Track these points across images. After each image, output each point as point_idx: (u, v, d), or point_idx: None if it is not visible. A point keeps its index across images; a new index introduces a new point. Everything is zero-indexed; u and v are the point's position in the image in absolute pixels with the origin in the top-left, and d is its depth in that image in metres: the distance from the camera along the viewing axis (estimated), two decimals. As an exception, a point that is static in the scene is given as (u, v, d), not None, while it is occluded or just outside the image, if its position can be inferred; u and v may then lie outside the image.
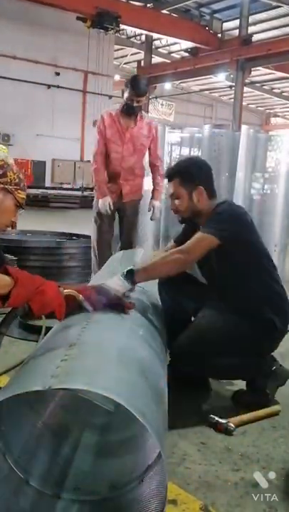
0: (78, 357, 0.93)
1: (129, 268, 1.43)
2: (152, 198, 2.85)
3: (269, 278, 1.61)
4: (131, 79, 2.69)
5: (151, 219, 2.92)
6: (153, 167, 2.85)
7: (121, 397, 0.79)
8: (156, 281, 1.74)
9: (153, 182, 2.86)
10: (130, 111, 2.65)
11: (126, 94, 2.63)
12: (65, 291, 1.19)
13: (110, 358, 0.97)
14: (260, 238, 1.66)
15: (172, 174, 1.64)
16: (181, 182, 1.61)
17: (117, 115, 2.70)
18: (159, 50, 15.84)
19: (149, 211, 2.85)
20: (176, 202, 1.64)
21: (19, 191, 1.31)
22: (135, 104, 2.62)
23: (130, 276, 1.41)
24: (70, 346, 0.97)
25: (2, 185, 1.27)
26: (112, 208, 2.73)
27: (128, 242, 2.81)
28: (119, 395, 0.80)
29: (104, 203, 2.70)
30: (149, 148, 2.78)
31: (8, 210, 1.30)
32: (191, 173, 1.61)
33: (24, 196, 1.33)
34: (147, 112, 15.45)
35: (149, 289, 1.71)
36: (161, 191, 2.92)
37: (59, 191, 12.82)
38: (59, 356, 0.92)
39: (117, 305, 1.30)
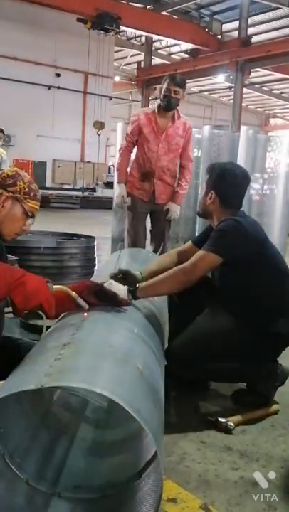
0: (72, 355, 0.94)
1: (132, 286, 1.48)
2: (171, 200, 2.77)
3: (276, 289, 1.58)
4: (167, 75, 2.73)
5: (167, 220, 2.82)
6: (182, 168, 2.76)
7: (114, 393, 0.79)
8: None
9: (177, 183, 2.77)
10: (168, 105, 2.62)
11: (163, 87, 2.63)
12: (55, 287, 1.17)
13: (104, 356, 0.97)
14: (269, 251, 1.62)
15: (208, 169, 1.70)
16: (207, 179, 1.67)
17: (154, 114, 2.70)
18: (159, 51, 15.87)
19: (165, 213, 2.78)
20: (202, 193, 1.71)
21: (28, 200, 1.33)
22: (172, 95, 2.60)
23: (132, 291, 1.45)
24: (64, 345, 0.98)
25: (11, 194, 1.30)
26: (126, 201, 2.75)
27: (159, 245, 2.75)
28: (112, 391, 0.80)
29: (121, 192, 2.74)
30: (183, 148, 2.73)
31: (17, 219, 1.33)
32: (213, 177, 1.65)
33: (35, 206, 1.35)
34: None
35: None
36: (183, 195, 2.79)
37: (59, 192, 12.84)
38: (53, 355, 0.93)
39: (113, 302, 1.29)
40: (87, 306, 1.21)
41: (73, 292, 1.21)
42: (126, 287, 1.46)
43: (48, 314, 1.15)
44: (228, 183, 1.64)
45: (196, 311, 1.69)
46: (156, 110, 2.71)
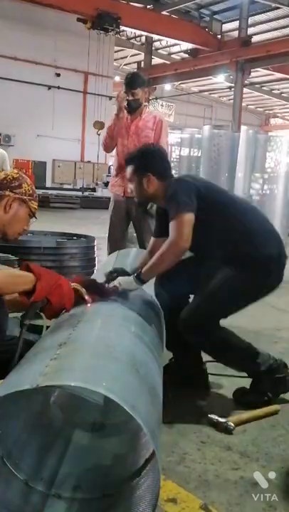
0: (68, 355, 0.94)
1: (137, 272, 1.55)
2: None
3: (243, 221, 1.63)
4: (125, 78, 2.81)
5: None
6: None
7: (110, 391, 0.79)
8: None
9: None
10: (130, 107, 2.74)
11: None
12: (72, 284, 1.27)
13: (100, 355, 0.98)
14: (214, 187, 1.71)
15: (128, 161, 1.72)
16: (134, 169, 1.68)
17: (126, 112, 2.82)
18: (159, 51, 15.86)
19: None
20: (131, 186, 1.73)
21: (32, 201, 1.41)
22: (130, 98, 2.70)
23: (138, 277, 1.52)
24: (60, 345, 0.98)
25: (18, 196, 1.37)
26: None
27: (142, 245, 2.78)
28: (108, 389, 0.80)
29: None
30: (155, 141, 2.76)
31: (22, 219, 1.40)
32: (142, 163, 1.67)
33: (36, 206, 1.43)
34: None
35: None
36: None
37: (59, 191, 12.84)
38: (49, 355, 0.93)
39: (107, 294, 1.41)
40: (91, 301, 1.30)
41: (83, 289, 1.29)
42: (132, 276, 1.53)
43: (67, 311, 1.24)
44: (159, 158, 1.71)
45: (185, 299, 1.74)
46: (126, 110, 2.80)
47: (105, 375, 0.89)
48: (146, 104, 2.84)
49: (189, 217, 1.53)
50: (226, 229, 1.62)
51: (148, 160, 1.68)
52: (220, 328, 1.63)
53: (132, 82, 2.72)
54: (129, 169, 1.70)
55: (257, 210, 1.81)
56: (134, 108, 2.74)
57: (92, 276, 2.40)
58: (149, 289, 1.75)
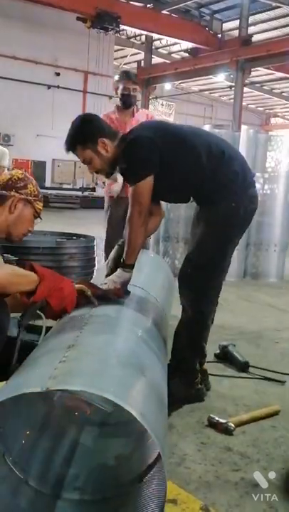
0: (76, 359, 0.94)
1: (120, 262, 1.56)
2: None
3: (203, 165, 1.62)
4: (121, 72, 2.84)
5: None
6: None
7: (119, 397, 0.79)
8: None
9: None
10: (127, 101, 2.70)
11: (120, 87, 2.71)
12: (77, 286, 1.27)
13: (109, 360, 0.98)
14: (180, 139, 1.63)
15: (72, 145, 1.59)
16: (83, 147, 1.57)
17: (114, 113, 2.78)
18: (159, 50, 15.83)
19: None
20: (91, 165, 1.62)
21: (38, 202, 1.41)
22: (132, 93, 2.69)
23: (124, 265, 1.53)
24: (69, 348, 0.98)
25: (23, 196, 1.37)
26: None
27: None
28: (117, 395, 0.80)
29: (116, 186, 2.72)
30: None
31: (27, 220, 1.40)
32: (86, 134, 1.57)
33: (41, 207, 1.43)
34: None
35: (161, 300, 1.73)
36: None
37: (59, 191, 12.82)
38: (57, 358, 0.93)
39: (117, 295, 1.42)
40: (97, 303, 1.30)
41: (89, 291, 1.30)
42: (118, 268, 1.52)
43: (67, 313, 1.25)
44: (97, 120, 1.64)
45: None
46: (115, 111, 2.77)
47: (114, 381, 0.89)
48: (136, 105, 2.84)
49: (147, 184, 1.52)
50: (185, 172, 1.62)
51: (90, 126, 1.58)
52: (211, 293, 1.65)
53: (132, 75, 2.73)
54: (78, 152, 1.57)
55: (201, 135, 1.72)
56: (128, 105, 2.71)
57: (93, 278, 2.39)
58: (152, 290, 1.75)
